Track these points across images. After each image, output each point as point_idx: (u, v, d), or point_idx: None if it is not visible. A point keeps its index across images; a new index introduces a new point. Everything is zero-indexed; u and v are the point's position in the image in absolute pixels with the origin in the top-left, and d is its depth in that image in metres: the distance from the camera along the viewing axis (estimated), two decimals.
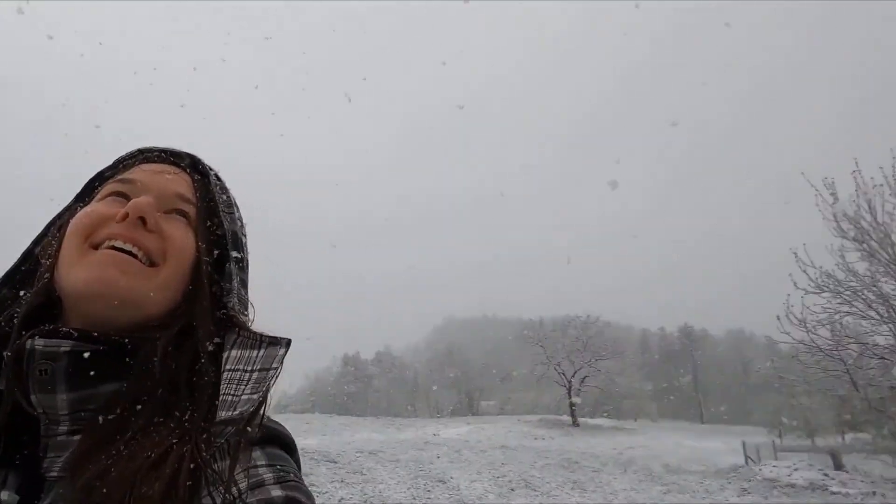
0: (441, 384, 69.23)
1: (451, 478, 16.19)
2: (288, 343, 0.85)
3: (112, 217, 0.80)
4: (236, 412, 0.77)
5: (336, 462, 17.92)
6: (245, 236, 0.95)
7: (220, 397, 0.75)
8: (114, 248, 0.78)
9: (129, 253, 0.78)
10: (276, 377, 0.83)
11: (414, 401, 69.20)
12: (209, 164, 0.96)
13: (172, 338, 0.79)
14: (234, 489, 0.74)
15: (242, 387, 0.78)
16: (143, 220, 0.80)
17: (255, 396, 0.80)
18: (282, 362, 0.83)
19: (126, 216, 0.79)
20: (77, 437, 0.72)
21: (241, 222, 0.95)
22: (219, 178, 0.95)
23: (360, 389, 67.99)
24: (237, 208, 0.96)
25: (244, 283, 0.92)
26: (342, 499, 12.98)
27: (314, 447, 20.72)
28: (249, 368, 0.80)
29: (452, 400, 68.59)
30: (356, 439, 24.91)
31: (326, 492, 13.64)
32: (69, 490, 0.68)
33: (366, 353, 76.79)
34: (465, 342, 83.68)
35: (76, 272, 0.77)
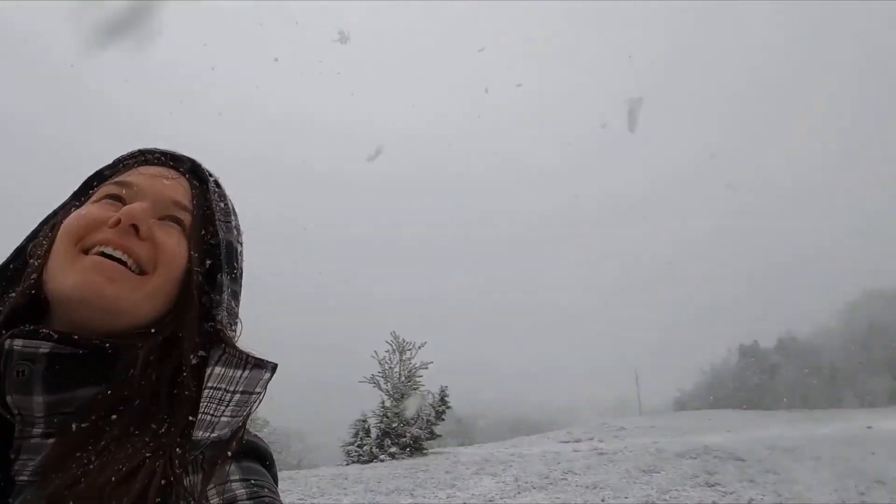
0: (868, 369, 58.66)
1: (894, 478, 13.49)
2: (274, 368, 0.81)
3: (105, 221, 0.79)
4: (214, 434, 0.75)
5: (744, 460, 16.62)
6: (241, 245, 0.93)
7: (199, 416, 0.74)
8: (103, 254, 0.77)
9: (119, 260, 0.77)
10: (259, 403, 0.80)
11: (834, 389, 60.01)
12: (209, 170, 0.94)
13: (156, 347, 0.78)
14: None
15: (222, 408, 0.76)
16: (135, 227, 0.79)
17: (234, 420, 0.78)
18: (265, 388, 0.81)
19: (118, 222, 0.78)
20: (51, 441, 0.71)
21: (238, 231, 0.93)
22: (218, 186, 0.93)
23: (764, 381, 61.97)
24: (235, 217, 0.93)
25: (235, 295, 0.90)
26: (752, 499, 11.90)
27: (718, 444, 19.58)
28: (231, 389, 0.78)
29: (886, 386, 57.40)
30: (766, 435, 22.70)
31: (733, 491, 12.69)
32: (37, 496, 0.67)
33: (765, 342, 69.82)
34: (891, 318, 69.40)
35: (64, 276, 0.76)
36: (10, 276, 0.86)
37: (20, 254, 0.88)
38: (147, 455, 0.70)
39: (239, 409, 0.78)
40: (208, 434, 0.75)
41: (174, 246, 0.83)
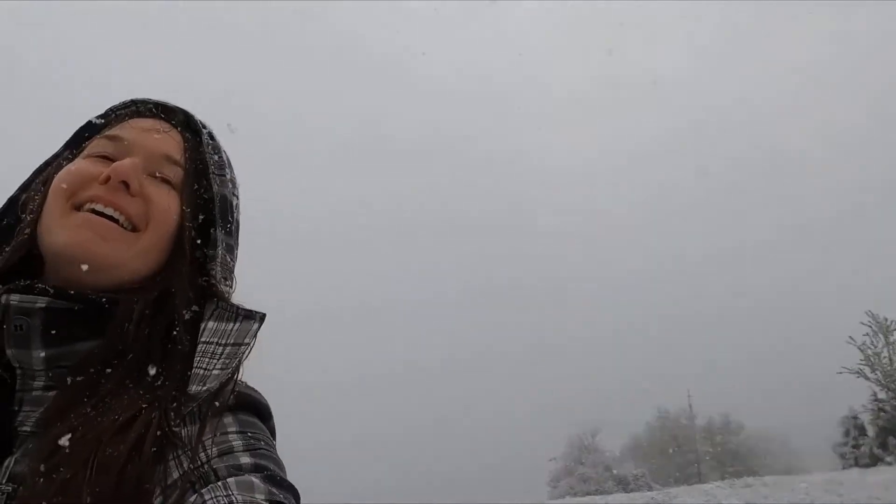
0: None
1: None
2: (262, 318, 0.84)
3: (95, 177, 0.79)
4: (205, 387, 0.76)
5: None
6: (237, 198, 0.92)
7: (193, 370, 0.75)
8: (95, 211, 0.77)
9: (111, 218, 0.78)
10: (248, 353, 0.82)
11: None
12: (203, 121, 0.92)
13: (151, 302, 0.79)
14: (201, 454, 0.72)
15: (214, 361, 0.78)
16: (126, 183, 0.79)
17: (224, 372, 0.79)
18: (255, 337, 0.83)
19: (108, 179, 0.78)
20: (52, 393, 0.73)
21: (234, 184, 0.92)
22: (212, 138, 0.92)
23: None
24: (230, 169, 0.92)
25: (230, 249, 0.89)
26: None
27: None
28: (223, 342, 0.79)
29: None
30: None
31: None
32: (38, 446, 0.68)
33: None
34: None
35: (56, 233, 0.77)
36: (2, 230, 0.88)
37: (13, 204, 0.90)
38: (143, 406, 0.72)
39: (229, 360, 0.80)
40: (200, 387, 0.76)
41: (166, 202, 0.83)
